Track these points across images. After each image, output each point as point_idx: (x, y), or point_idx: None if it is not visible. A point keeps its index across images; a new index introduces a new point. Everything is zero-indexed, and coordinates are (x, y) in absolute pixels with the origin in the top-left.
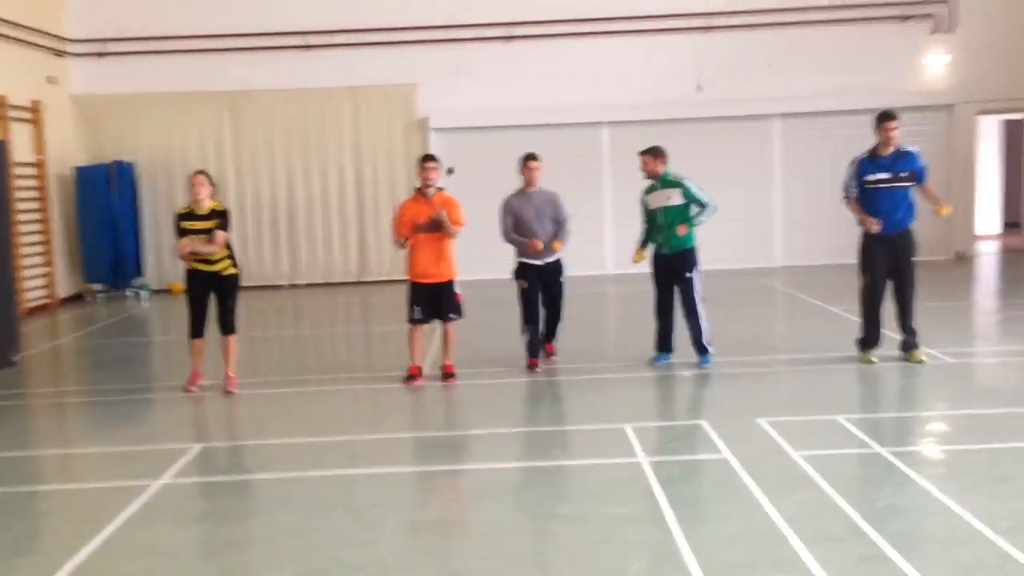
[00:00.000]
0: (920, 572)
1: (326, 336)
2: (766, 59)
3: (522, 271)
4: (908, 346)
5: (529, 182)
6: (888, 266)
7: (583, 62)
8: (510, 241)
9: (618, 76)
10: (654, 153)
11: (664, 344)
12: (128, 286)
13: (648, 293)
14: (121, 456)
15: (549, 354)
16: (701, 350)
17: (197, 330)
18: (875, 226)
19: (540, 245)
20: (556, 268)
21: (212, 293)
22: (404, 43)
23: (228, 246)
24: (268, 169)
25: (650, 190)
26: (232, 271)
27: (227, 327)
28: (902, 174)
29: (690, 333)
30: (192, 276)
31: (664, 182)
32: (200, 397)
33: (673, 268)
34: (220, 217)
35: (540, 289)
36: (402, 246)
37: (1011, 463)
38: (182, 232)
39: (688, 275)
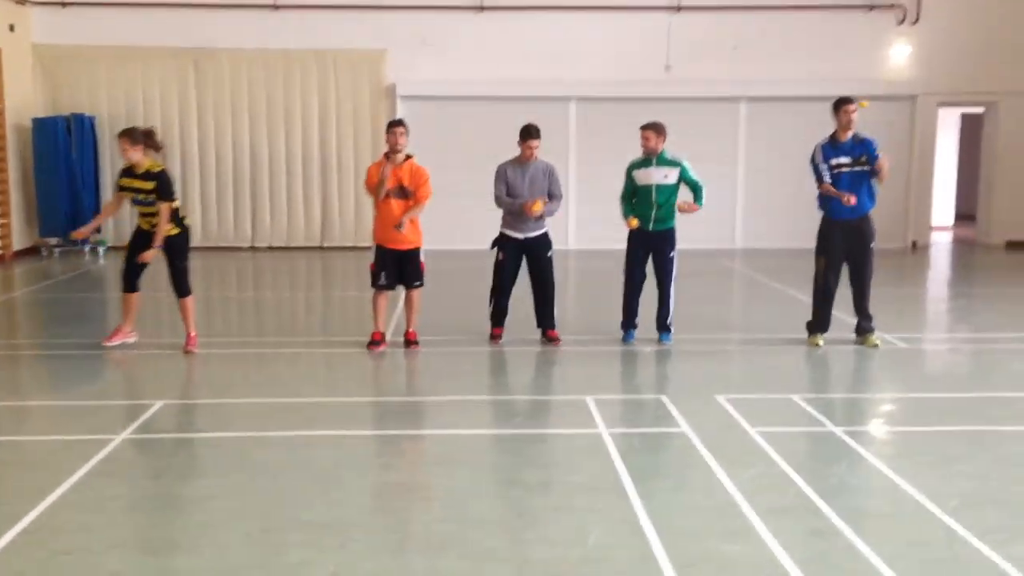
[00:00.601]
0: (869, 547)
1: (287, 300)
2: (733, 42)
3: (502, 242)
4: (863, 330)
5: (526, 158)
6: (846, 251)
7: (553, 37)
8: (502, 205)
9: (587, 52)
10: (657, 129)
11: (633, 321)
12: (86, 242)
13: (607, 269)
14: (80, 410)
15: (551, 339)
16: (665, 328)
17: (129, 284)
18: (852, 199)
19: (539, 206)
20: (542, 242)
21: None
22: (374, 8)
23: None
24: (232, 129)
25: (642, 165)
26: (175, 231)
27: (181, 289)
28: (861, 159)
29: (659, 310)
30: (138, 234)
31: (661, 160)
32: (158, 355)
33: (656, 246)
34: (156, 180)
35: (519, 264)
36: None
37: (959, 445)
38: (120, 188)
39: (671, 254)
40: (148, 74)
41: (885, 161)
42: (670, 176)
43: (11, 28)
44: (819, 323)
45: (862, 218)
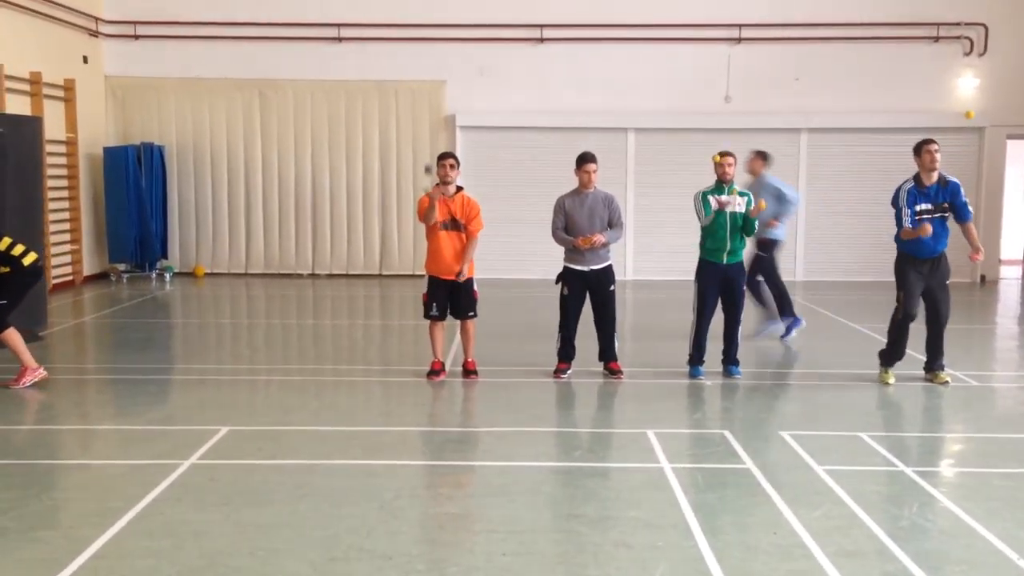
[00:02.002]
0: None
1: (346, 327)
2: (795, 73)
3: (566, 275)
4: (933, 367)
5: (584, 184)
6: (923, 288)
7: (611, 67)
8: (558, 240)
9: (646, 83)
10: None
11: (703, 357)
12: (152, 267)
13: (666, 300)
14: (147, 435)
15: (613, 372)
16: (734, 361)
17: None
18: (928, 229)
19: (596, 239)
20: (605, 275)
21: None
22: (434, 40)
23: None
24: (295, 158)
25: (716, 191)
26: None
27: None
28: (943, 205)
29: (729, 344)
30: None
31: (732, 188)
32: (220, 382)
33: (732, 277)
34: None
35: (583, 297)
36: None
37: None
38: None
39: (744, 287)
40: (215, 104)
41: (972, 229)
42: (741, 204)
43: (84, 60)
44: (893, 355)
45: (937, 257)
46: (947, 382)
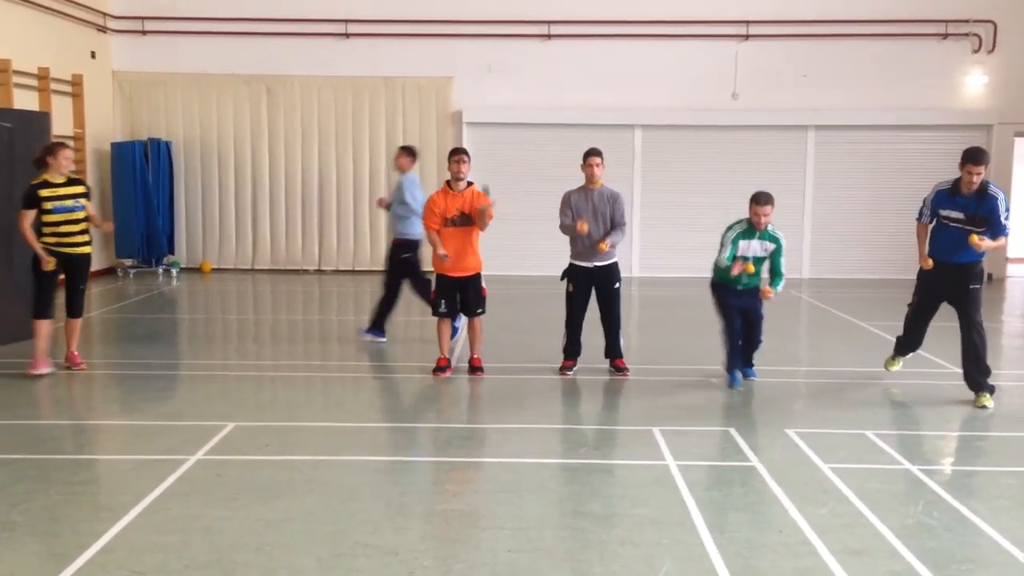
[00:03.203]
0: None
1: (352, 323)
2: (803, 70)
3: (571, 272)
4: (977, 386)
5: (591, 179)
6: (946, 294)
7: (619, 64)
8: (564, 231)
9: (653, 80)
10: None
11: (738, 363)
12: (159, 263)
13: (672, 297)
14: (154, 430)
15: (619, 369)
16: (750, 363)
17: (47, 311)
18: (927, 264)
19: (585, 227)
20: (609, 272)
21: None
22: (442, 36)
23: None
24: (302, 153)
25: (747, 236)
26: (87, 250)
27: (76, 311)
28: (976, 218)
29: (750, 347)
30: (56, 256)
31: (764, 234)
32: (226, 377)
33: (752, 295)
34: (82, 183)
35: (589, 294)
36: (434, 243)
37: None
38: (43, 200)
39: (761, 311)
40: (222, 100)
41: (986, 243)
42: (768, 249)
43: (92, 55)
44: (905, 344)
45: (966, 264)
46: (985, 406)
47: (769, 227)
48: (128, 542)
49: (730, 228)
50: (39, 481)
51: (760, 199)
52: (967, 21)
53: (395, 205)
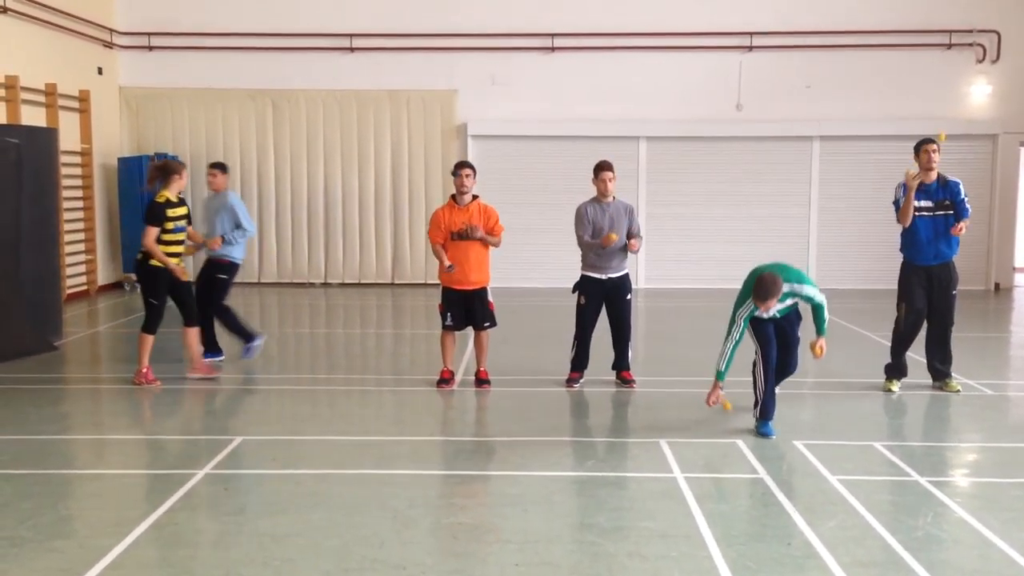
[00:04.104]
0: None
1: (357, 336)
2: (807, 81)
3: (583, 284)
4: (941, 375)
5: (603, 193)
6: (927, 297)
7: (623, 76)
8: (585, 246)
9: (658, 91)
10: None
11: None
12: None
13: (678, 309)
14: (161, 445)
15: (626, 381)
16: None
17: (155, 326)
18: (915, 181)
19: (615, 237)
20: (621, 284)
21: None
22: (446, 49)
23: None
24: (307, 167)
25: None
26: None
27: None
28: (944, 202)
29: (781, 375)
30: (169, 273)
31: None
32: (233, 391)
33: (780, 324)
34: (187, 205)
35: (600, 306)
36: (440, 256)
37: None
38: (169, 220)
39: (798, 333)
40: (228, 114)
41: (963, 227)
42: (787, 303)
43: (99, 71)
44: (897, 369)
45: (943, 264)
46: (959, 390)
47: (782, 297)
48: (136, 557)
49: (741, 303)
50: (47, 496)
51: (766, 293)
52: (971, 31)
53: (226, 230)
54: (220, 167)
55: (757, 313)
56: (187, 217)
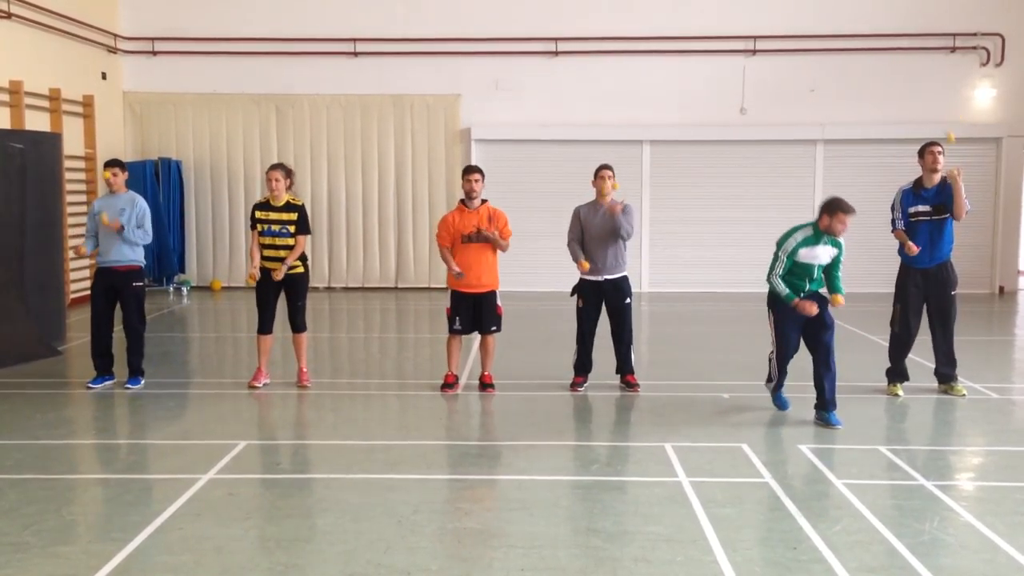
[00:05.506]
0: None
1: (361, 340)
2: (811, 84)
3: (581, 287)
4: (946, 378)
5: (601, 193)
6: (925, 298)
7: (627, 80)
8: (571, 251)
9: (661, 95)
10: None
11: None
12: (170, 282)
13: (682, 312)
14: (165, 449)
15: (630, 385)
16: (832, 404)
17: (265, 326)
18: (914, 249)
19: (586, 266)
20: (618, 286)
21: (281, 292)
22: (450, 54)
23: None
24: (311, 172)
25: (811, 242)
26: (300, 270)
27: (298, 326)
28: (941, 206)
29: (827, 384)
30: (264, 274)
31: (831, 239)
32: (237, 395)
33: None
34: (297, 211)
35: (599, 309)
36: (447, 261)
37: None
38: (256, 222)
39: (831, 326)
40: (232, 119)
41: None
42: (832, 255)
43: (103, 76)
44: (898, 372)
45: (941, 265)
46: (964, 393)
47: (835, 242)
48: (140, 563)
49: (789, 236)
50: (50, 501)
51: (848, 208)
52: (975, 34)
53: (128, 229)
54: (122, 165)
55: (805, 249)
56: (289, 223)
